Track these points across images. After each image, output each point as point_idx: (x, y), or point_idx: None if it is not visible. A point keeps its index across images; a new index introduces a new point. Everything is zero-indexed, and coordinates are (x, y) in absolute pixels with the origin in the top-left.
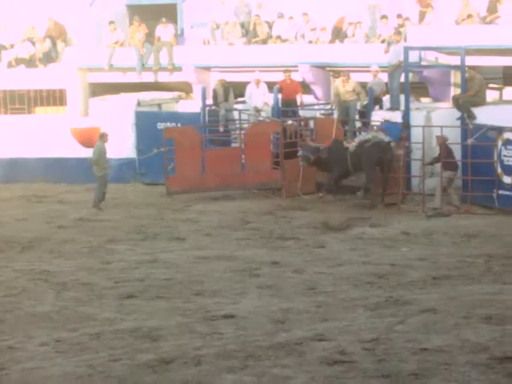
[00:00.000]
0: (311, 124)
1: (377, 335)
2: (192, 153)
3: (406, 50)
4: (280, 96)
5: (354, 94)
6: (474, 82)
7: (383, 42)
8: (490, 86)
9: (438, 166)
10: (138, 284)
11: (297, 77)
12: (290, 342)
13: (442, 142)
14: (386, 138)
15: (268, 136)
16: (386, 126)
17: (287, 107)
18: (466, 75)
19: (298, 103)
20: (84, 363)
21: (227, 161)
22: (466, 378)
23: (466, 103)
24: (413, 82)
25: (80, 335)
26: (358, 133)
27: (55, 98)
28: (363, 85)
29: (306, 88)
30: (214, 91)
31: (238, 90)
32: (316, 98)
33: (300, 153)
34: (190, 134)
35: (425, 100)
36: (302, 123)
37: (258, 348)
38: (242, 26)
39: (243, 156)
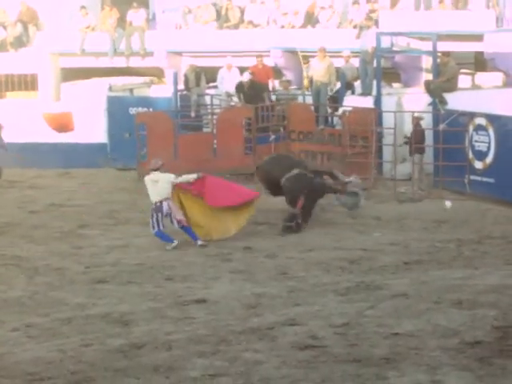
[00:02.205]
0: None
1: (348, 320)
2: (164, 138)
3: (378, 35)
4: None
5: (327, 73)
6: (448, 68)
7: (355, 27)
8: (462, 71)
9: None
10: (109, 269)
11: (269, 62)
12: (261, 326)
13: (417, 123)
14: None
15: (240, 121)
16: None
17: (259, 92)
18: (439, 61)
19: (270, 88)
20: (55, 348)
21: (199, 146)
22: (436, 363)
23: (438, 89)
24: (384, 68)
25: (51, 320)
26: (329, 118)
27: (27, 83)
28: (335, 70)
29: (278, 73)
30: (185, 76)
31: (210, 74)
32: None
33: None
34: (162, 119)
35: (396, 85)
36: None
37: (229, 333)
38: (215, 6)
39: (215, 141)
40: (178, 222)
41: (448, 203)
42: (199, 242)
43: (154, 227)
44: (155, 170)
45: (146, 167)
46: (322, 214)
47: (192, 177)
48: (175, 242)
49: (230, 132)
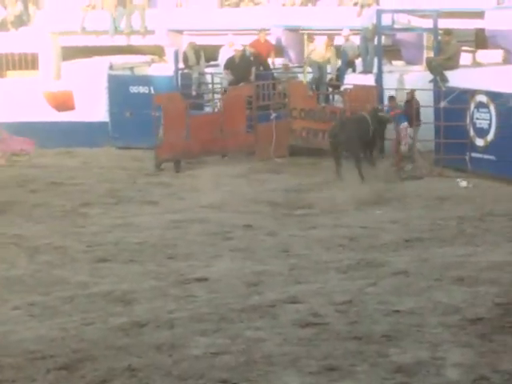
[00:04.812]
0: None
1: (349, 297)
2: (178, 120)
3: (379, 12)
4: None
5: (327, 58)
6: (450, 46)
7: (356, 4)
8: (463, 48)
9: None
10: (111, 248)
11: (270, 40)
12: (262, 304)
13: (412, 97)
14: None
15: (243, 99)
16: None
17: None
18: (440, 38)
19: (270, 65)
20: (57, 326)
21: (209, 126)
22: (438, 340)
23: (439, 66)
24: (385, 45)
25: (53, 299)
26: (330, 96)
27: (27, 62)
28: (336, 48)
29: (278, 51)
30: (185, 54)
31: (211, 53)
32: (289, 61)
33: None
34: (177, 101)
35: (397, 63)
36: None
37: (230, 311)
38: None
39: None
40: None
41: (463, 183)
42: None
43: None
44: None
45: (164, 152)
46: (323, 192)
47: None
48: None
49: (235, 111)
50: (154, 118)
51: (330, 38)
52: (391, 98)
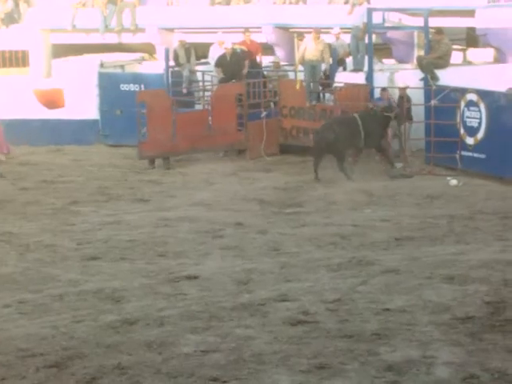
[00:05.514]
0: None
1: (340, 296)
2: (163, 116)
3: (370, 11)
4: None
5: (320, 54)
6: (441, 44)
7: (347, 3)
8: (454, 47)
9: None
10: (101, 245)
11: (260, 38)
12: (253, 302)
13: (404, 92)
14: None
15: (233, 97)
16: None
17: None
18: (431, 37)
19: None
20: (47, 324)
21: (196, 123)
22: (428, 338)
23: (430, 64)
24: (376, 44)
25: (43, 296)
26: (321, 94)
27: (18, 59)
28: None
29: (269, 49)
30: (175, 52)
31: (202, 51)
32: (280, 59)
33: None
34: (162, 98)
35: (388, 61)
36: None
37: (221, 309)
38: None
39: (210, 118)
40: None
41: (454, 181)
42: None
43: None
44: None
45: (147, 148)
46: (313, 191)
47: None
48: None
49: (224, 108)
50: (137, 114)
51: (317, 30)
52: (383, 90)
